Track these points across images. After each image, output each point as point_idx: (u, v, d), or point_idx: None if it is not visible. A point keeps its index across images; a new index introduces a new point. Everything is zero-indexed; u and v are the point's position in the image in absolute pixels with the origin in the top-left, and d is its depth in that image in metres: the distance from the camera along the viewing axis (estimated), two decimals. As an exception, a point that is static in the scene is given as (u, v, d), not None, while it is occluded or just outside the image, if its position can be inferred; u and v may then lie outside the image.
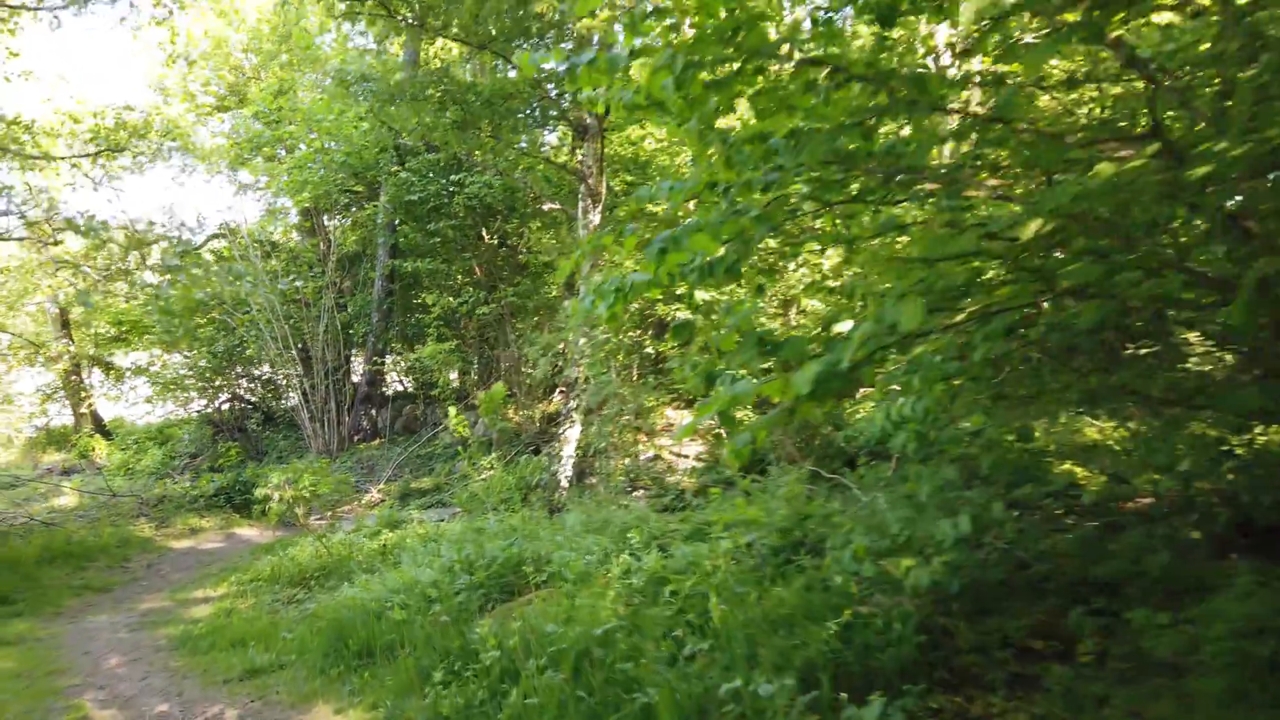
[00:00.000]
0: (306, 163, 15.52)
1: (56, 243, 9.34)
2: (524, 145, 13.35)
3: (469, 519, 10.79)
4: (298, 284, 17.67)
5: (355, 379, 18.95)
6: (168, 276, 11.95)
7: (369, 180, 16.40)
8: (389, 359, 18.22)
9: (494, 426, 10.27)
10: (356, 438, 17.81)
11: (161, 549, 10.36)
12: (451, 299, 14.76)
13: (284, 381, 18.85)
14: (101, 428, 19.92)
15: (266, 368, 19.30)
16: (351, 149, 15.53)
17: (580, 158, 12.40)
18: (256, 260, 17.31)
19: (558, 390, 16.27)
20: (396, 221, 16.69)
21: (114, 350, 20.62)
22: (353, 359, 18.57)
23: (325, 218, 18.79)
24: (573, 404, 12.67)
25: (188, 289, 10.49)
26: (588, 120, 12.28)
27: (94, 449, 18.07)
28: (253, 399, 20.10)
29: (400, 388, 20.10)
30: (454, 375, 16.52)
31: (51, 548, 9.60)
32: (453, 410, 10.40)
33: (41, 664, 6.18)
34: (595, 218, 12.50)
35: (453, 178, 14.63)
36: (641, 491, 11.98)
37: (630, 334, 12.08)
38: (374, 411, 18.56)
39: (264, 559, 9.77)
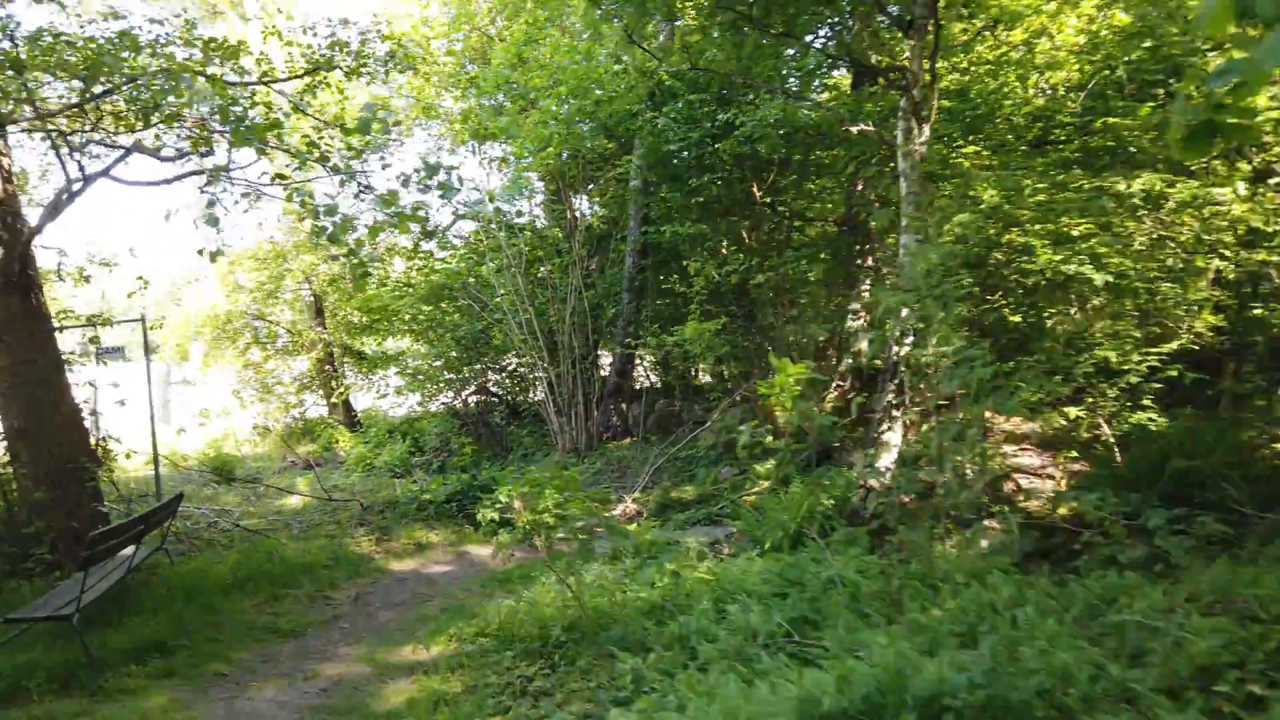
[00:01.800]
0: (551, 118, 13.13)
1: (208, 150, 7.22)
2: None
3: (761, 550, 7.68)
4: (542, 269, 15.46)
5: (603, 370, 16.58)
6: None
7: (620, 136, 13.76)
8: (639, 347, 15.58)
9: (810, 421, 6.95)
10: (605, 436, 15.29)
11: (376, 572, 8.06)
12: (714, 271, 11.73)
13: (529, 372, 16.82)
14: (353, 419, 18.89)
15: (512, 358, 17.38)
16: (603, 96, 12.96)
17: (907, 57, 8.89)
18: (503, 239, 15.29)
19: (834, 384, 12.89)
20: (650, 185, 13.99)
21: (364, 339, 19.58)
22: (599, 346, 16.10)
23: (571, 191, 16.49)
24: (890, 398, 9.24)
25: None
26: (914, 10, 8.79)
27: (337, 441, 16.87)
28: (498, 391, 18.30)
29: (649, 380, 17.55)
30: (705, 364, 13.39)
31: (248, 565, 7.53)
32: (749, 426, 7.01)
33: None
34: (921, 143, 8.99)
35: (720, 118, 11.60)
36: (994, 522, 8.30)
37: (987, 302, 8.44)
38: (624, 406, 16.01)
39: (495, 597, 7.15)
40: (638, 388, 16.75)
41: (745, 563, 6.97)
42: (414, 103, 17.53)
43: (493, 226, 16.25)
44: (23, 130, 7.54)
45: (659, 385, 17.10)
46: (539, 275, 15.70)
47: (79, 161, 7.02)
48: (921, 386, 7.94)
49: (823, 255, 13.20)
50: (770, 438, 6.23)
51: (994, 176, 8.55)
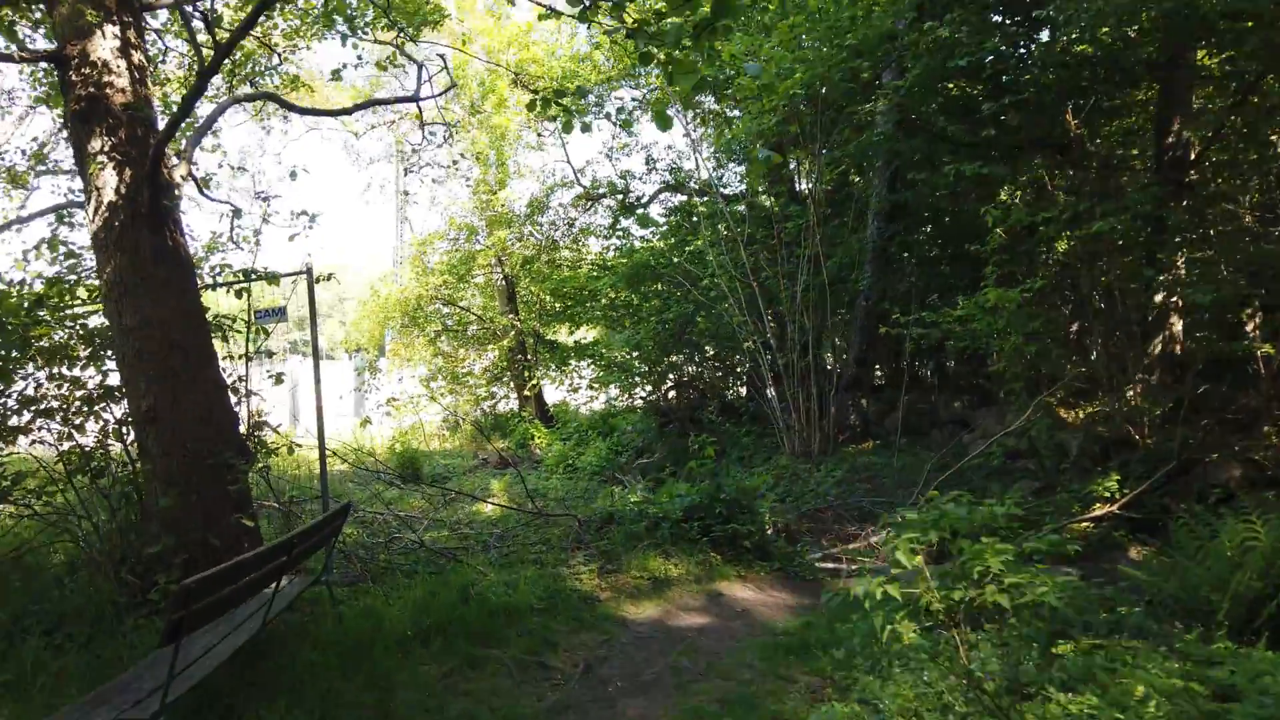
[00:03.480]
0: (793, 41, 10.43)
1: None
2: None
3: (1215, 627, 4.66)
4: (757, 242, 12.75)
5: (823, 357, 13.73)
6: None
7: (875, 62, 10.83)
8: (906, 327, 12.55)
9: None
10: (841, 437, 12.40)
11: (607, 622, 5.58)
12: (1023, 217, 8.55)
13: (744, 362, 14.22)
14: (545, 413, 16.92)
15: (716, 346, 14.79)
16: (858, 11, 10.14)
17: None
18: (722, 207, 12.76)
19: (1136, 375, 9.43)
20: (904, 130, 11.01)
21: (556, 327, 17.61)
22: (830, 332, 13.23)
23: (807, 140, 13.68)
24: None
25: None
26: None
27: (534, 437, 14.83)
28: (701, 386, 15.81)
29: (885, 368, 14.51)
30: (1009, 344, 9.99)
31: (435, 607, 5.24)
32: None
33: None
34: None
35: (1035, 14, 8.52)
36: None
37: None
38: (864, 401, 13.05)
39: (796, 679, 4.52)
40: (882, 378, 13.81)
41: (1231, 656, 3.96)
42: (616, 57, 15.30)
43: (701, 199, 13.80)
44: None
45: (893, 378, 14.03)
46: (756, 248, 13.05)
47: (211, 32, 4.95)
48: None
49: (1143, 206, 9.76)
50: None
51: None
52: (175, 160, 6.11)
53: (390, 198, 26.32)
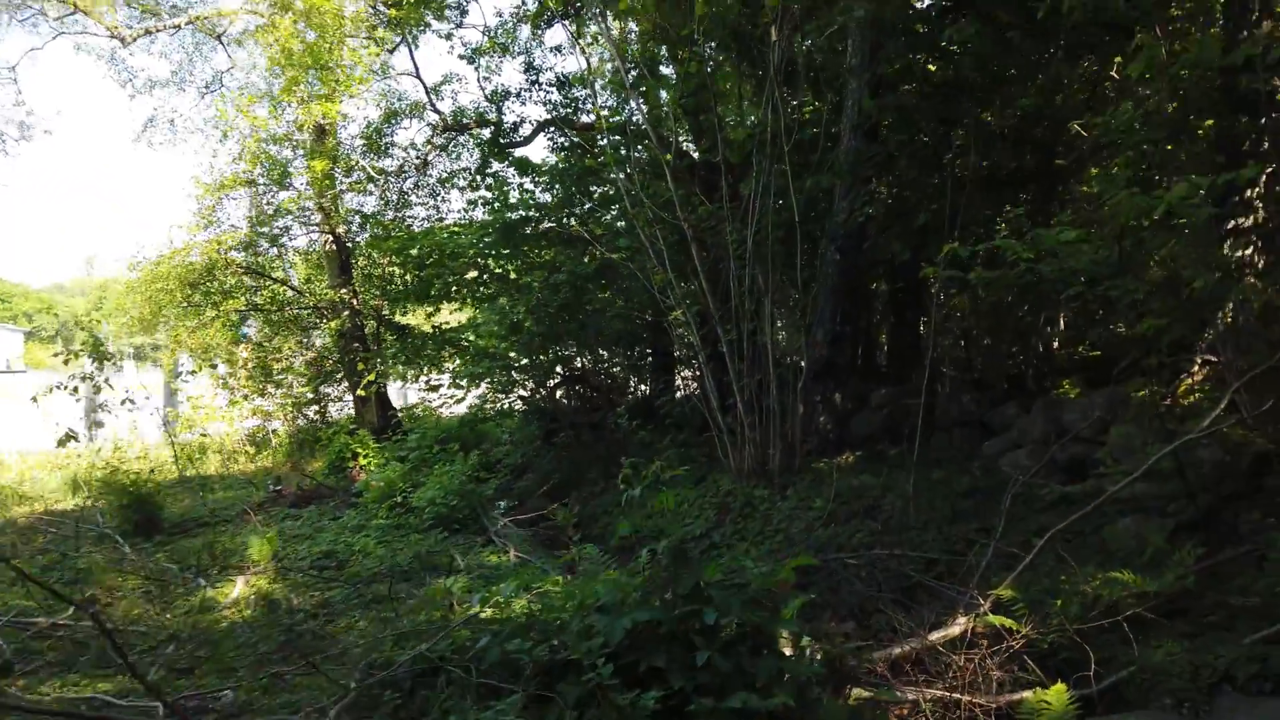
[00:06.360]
0: None
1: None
2: None
3: None
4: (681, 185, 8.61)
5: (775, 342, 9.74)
6: None
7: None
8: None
9: None
10: (805, 449, 8.40)
11: None
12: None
13: (668, 343, 10.13)
14: (387, 420, 12.21)
15: (622, 324, 10.59)
16: None
17: None
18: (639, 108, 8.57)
19: None
20: None
21: (408, 307, 12.96)
22: (796, 290, 9.25)
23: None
24: None
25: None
26: None
27: (357, 455, 10.10)
28: (600, 378, 11.59)
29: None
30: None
31: None
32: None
33: None
34: None
35: None
36: None
37: None
38: (837, 397, 9.06)
39: None
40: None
41: None
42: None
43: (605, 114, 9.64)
44: None
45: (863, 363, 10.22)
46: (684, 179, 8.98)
47: None
48: None
49: None
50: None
51: None
52: None
53: (184, 136, 20.41)
